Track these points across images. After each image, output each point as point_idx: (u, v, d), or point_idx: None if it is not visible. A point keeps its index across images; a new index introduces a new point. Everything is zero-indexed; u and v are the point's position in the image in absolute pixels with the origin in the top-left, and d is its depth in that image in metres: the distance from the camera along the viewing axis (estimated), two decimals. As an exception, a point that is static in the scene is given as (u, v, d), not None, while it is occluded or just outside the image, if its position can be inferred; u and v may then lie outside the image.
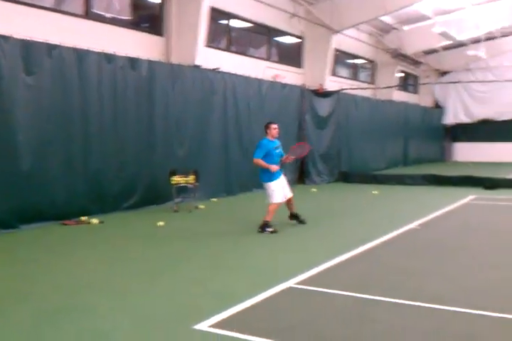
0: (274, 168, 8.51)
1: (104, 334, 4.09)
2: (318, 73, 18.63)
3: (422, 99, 30.50)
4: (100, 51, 10.17)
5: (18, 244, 7.69)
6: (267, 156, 8.55)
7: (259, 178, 8.83)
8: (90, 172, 9.99)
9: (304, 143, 9.83)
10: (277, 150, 8.74)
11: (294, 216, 9.14)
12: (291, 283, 5.45)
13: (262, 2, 15.18)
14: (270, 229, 8.41)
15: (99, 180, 10.13)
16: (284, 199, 8.78)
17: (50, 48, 9.20)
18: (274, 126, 8.80)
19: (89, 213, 9.71)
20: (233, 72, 13.90)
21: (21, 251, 7.24)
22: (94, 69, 10.01)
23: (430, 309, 4.64)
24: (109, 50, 10.48)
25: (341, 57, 22.03)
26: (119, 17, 12.03)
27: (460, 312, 4.55)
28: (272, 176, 8.59)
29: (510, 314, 4.48)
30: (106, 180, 10.28)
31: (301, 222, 9.13)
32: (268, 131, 8.78)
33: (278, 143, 8.89)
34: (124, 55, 10.69)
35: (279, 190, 8.64)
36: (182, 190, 11.22)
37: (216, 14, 14.31)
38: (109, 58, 10.30)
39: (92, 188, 10.01)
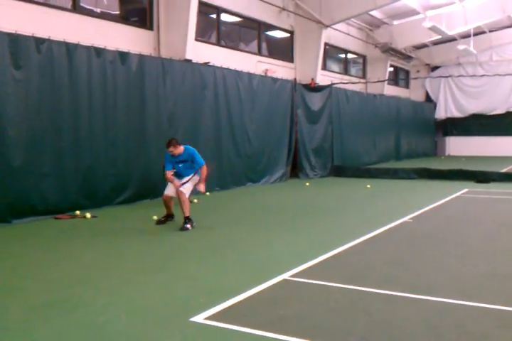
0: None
1: (97, 328, 4.02)
2: (309, 67, 18.61)
3: (413, 93, 30.57)
4: (90, 45, 10.06)
5: (11, 238, 7.59)
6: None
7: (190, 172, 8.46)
8: (82, 168, 9.89)
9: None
10: (180, 165, 8.43)
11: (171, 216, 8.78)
12: (286, 275, 5.40)
13: (251, -4, 15.12)
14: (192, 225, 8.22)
15: (90, 175, 10.04)
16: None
17: (39, 42, 9.07)
18: (169, 149, 8.31)
19: (82, 208, 9.64)
20: (224, 66, 13.82)
21: (14, 245, 7.13)
22: (83, 64, 9.88)
23: (425, 300, 4.61)
24: (99, 44, 10.36)
25: (332, 52, 22.01)
26: (108, 11, 11.91)
27: (454, 304, 4.52)
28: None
29: (501, 305, 4.46)
30: (97, 175, 10.18)
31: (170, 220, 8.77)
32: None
33: (180, 158, 8.41)
34: (113, 49, 10.57)
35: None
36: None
37: (205, 8, 14.22)
38: (98, 52, 10.17)
39: (84, 183, 9.92)
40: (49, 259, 6.29)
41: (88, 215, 9.20)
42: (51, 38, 9.33)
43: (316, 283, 5.18)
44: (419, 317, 4.17)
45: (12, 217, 8.59)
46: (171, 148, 8.31)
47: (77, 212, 9.40)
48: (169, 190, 8.46)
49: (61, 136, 9.51)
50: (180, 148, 8.40)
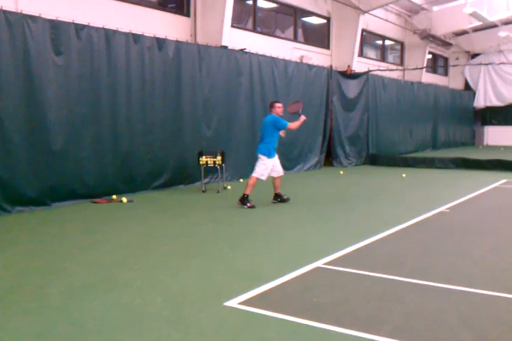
0: (302, 118, 9.22)
1: (133, 309, 4.11)
2: (346, 54, 18.38)
3: (451, 81, 29.91)
4: (128, 31, 10.15)
5: (51, 221, 7.81)
6: (276, 131, 9.08)
7: (259, 150, 9.12)
8: (119, 153, 10.05)
9: (297, 102, 9.92)
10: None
11: (277, 195, 9.49)
12: (320, 263, 5.42)
13: (289, -19, 14.95)
14: (249, 204, 8.83)
15: (128, 161, 10.20)
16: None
17: (79, 28, 9.20)
18: (279, 104, 9.18)
19: (119, 192, 9.84)
20: (260, 53, 13.76)
21: (53, 227, 7.34)
22: (121, 50, 9.99)
23: (459, 291, 4.57)
24: (137, 30, 10.44)
25: (369, 38, 21.68)
26: (146, -3, 11.98)
27: (488, 295, 4.47)
28: (271, 153, 9.04)
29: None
30: (135, 160, 10.34)
31: (283, 200, 9.48)
32: (272, 110, 9.20)
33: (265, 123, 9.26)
34: (151, 35, 10.64)
35: (269, 168, 9.09)
36: (210, 170, 11.24)
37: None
38: (136, 38, 10.26)
39: (122, 168, 10.09)
40: (87, 242, 6.45)
41: (124, 200, 9.37)
42: (91, 24, 9.46)
43: (349, 272, 5.18)
44: (453, 308, 4.14)
45: (51, 200, 8.82)
46: (279, 104, 9.18)
47: (114, 197, 9.58)
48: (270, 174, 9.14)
49: (100, 121, 9.67)
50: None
